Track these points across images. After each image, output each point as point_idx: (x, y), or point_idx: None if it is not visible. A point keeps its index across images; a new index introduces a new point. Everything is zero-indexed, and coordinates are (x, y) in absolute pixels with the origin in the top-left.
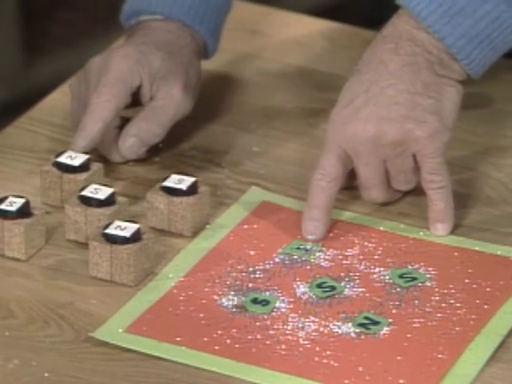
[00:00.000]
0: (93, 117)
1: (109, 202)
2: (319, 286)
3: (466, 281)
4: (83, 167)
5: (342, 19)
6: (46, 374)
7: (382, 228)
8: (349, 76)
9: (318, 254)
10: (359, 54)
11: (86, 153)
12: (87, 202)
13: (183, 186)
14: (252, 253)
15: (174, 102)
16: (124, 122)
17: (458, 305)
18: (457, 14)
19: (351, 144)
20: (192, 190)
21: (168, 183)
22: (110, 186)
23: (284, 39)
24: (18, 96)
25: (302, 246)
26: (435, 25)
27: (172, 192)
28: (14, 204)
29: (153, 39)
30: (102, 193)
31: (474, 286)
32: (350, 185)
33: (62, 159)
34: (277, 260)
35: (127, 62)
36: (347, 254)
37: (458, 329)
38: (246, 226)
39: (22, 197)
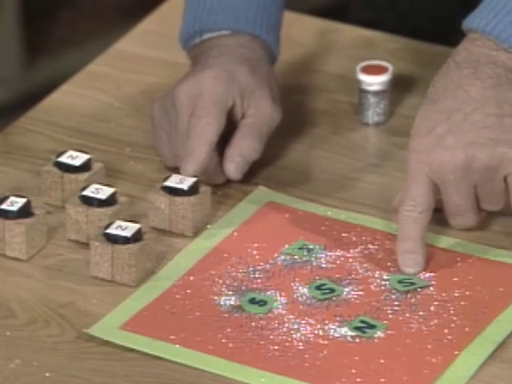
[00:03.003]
0: (198, 141)
1: (110, 201)
2: (318, 287)
3: (466, 288)
4: (84, 167)
5: (344, 19)
6: (47, 374)
7: (385, 230)
8: (347, 74)
9: (319, 255)
10: (361, 55)
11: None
12: (88, 201)
13: (184, 186)
14: (254, 252)
15: (265, 117)
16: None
17: (456, 312)
18: None
19: (439, 173)
20: (193, 189)
21: (169, 183)
22: (111, 186)
23: (285, 39)
24: (18, 96)
25: (304, 246)
26: None
27: (173, 192)
28: (15, 204)
29: (232, 56)
30: (103, 193)
31: (474, 293)
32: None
33: (63, 159)
34: (278, 260)
35: (220, 83)
36: (349, 255)
37: (453, 335)
38: (249, 226)
39: (23, 197)
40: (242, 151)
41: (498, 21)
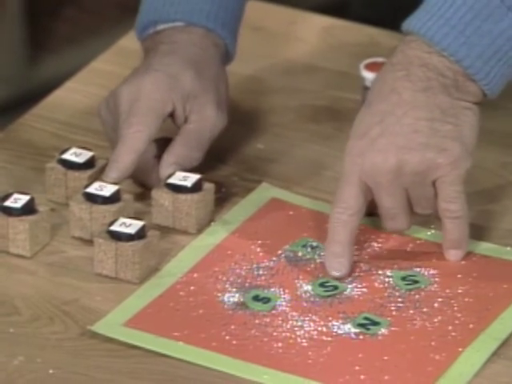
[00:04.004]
0: (125, 148)
1: (114, 199)
2: (322, 285)
3: (470, 285)
4: (88, 164)
5: (344, 17)
6: (50, 371)
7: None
8: (351, 72)
9: (323, 252)
10: (364, 52)
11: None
12: (92, 198)
13: (188, 183)
14: (257, 249)
15: (209, 123)
16: (160, 144)
17: (459, 308)
18: (472, 34)
19: (371, 176)
20: (196, 187)
21: (173, 180)
22: (115, 183)
23: (288, 36)
24: (22, 93)
25: (308, 244)
26: (450, 47)
27: (177, 189)
28: (18, 201)
29: (179, 57)
30: (107, 190)
31: (477, 289)
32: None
33: (67, 156)
34: (282, 257)
35: (159, 89)
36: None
37: (456, 332)
38: (252, 223)
39: (26, 194)
40: (178, 158)
41: (432, 23)
